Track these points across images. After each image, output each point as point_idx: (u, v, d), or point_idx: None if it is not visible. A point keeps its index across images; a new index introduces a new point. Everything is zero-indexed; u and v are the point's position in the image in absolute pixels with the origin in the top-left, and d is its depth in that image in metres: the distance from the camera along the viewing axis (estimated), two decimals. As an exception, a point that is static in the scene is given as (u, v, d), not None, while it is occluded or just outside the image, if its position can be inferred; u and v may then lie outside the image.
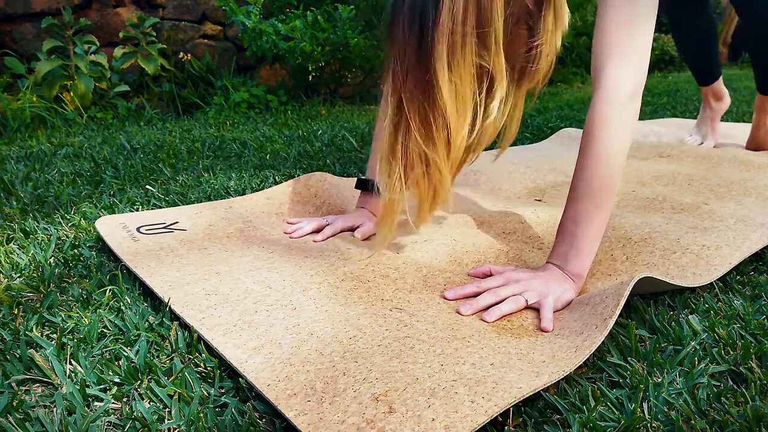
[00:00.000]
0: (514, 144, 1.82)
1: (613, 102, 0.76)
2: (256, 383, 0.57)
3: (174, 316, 0.73)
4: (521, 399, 0.53)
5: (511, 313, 0.71)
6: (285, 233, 1.00)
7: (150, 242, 0.93)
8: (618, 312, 0.64)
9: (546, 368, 0.58)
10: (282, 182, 1.38)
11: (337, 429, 0.50)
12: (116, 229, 0.98)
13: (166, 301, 0.74)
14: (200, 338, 0.67)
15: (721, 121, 2.26)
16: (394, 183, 0.75)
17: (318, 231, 1.00)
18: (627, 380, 0.59)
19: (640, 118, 2.33)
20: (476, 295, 0.75)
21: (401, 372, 0.58)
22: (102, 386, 0.60)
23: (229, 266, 0.84)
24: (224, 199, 1.26)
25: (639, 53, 0.77)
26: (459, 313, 0.71)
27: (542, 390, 0.58)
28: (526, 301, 0.72)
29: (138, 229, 0.98)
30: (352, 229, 1.00)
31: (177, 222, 1.02)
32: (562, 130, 1.95)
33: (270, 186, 1.35)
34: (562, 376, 0.57)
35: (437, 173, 0.74)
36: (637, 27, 0.77)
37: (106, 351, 0.66)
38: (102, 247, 0.98)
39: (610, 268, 0.84)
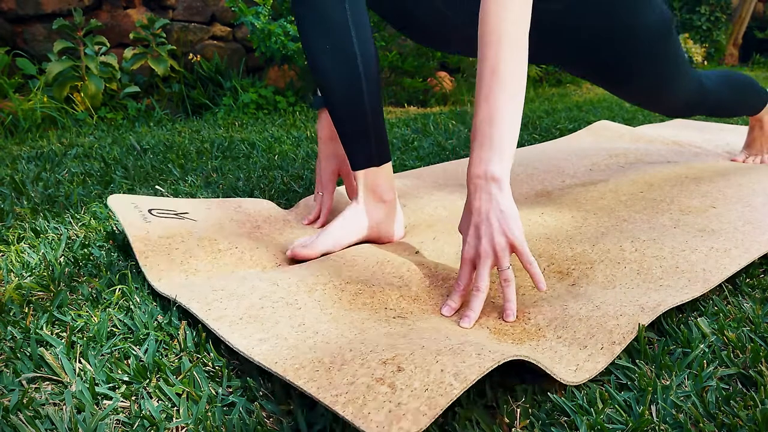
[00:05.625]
0: (522, 145, 1.82)
1: None
2: (264, 362, 0.58)
3: (182, 316, 0.74)
4: (523, 359, 0.55)
5: (517, 289, 0.72)
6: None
7: (160, 229, 0.92)
8: (629, 341, 0.64)
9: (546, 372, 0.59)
10: (290, 183, 1.38)
11: (346, 389, 0.51)
12: (128, 208, 0.97)
13: (173, 297, 0.75)
14: (208, 337, 0.67)
15: (732, 123, 2.24)
16: None
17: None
18: (635, 383, 0.59)
19: (650, 121, 2.32)
20: (465, 301, 0.74)
21: (407, 344, 0.59)
22: (111, 385, 0.60)
23: (237, 267, 0.84)
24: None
25: None
26: (462, 327, 0.70)
27: (550, 392, 0.58)
28: (506, 268, 0.71)
29: (150, 211, 0.98)
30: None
31: (187, 213, 1.02)
32: (598, 122, 1.93)
33: (277, 187, 1.35)
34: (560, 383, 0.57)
35: None
36: None
37: (115, 350, 0.67)
38: (111, 246, 0.98)
39: (618, 256, 0.84)
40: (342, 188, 1.22)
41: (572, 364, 0.61)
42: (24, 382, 0.61)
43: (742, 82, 1.32)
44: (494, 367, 0.51)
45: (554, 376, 0.57)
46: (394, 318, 0.72)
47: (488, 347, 0.55)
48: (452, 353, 0.54)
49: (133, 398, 0.58)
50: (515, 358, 0.54)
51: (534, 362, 0.55)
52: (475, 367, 0.50)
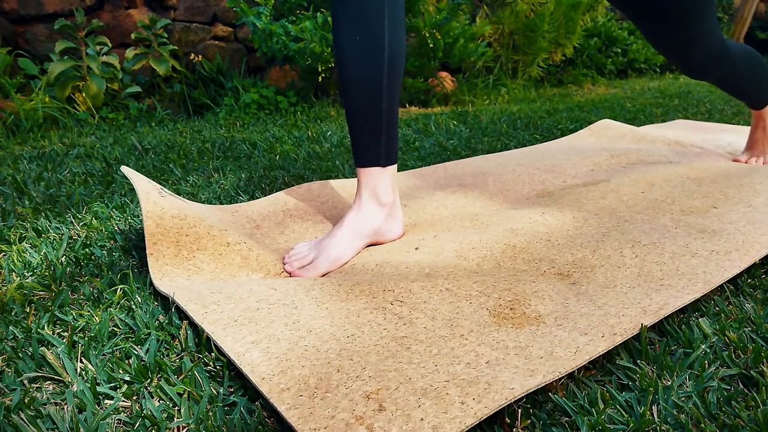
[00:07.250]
0: (523, 145, 1.82)
1: None
2: (252, 376, 0.58)
3: (183, 316, 0.74)
4: (512, 400, 0.53)
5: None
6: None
7: (174, 208, 0.90)
8: (630, 335, 0.64)
9: (542, 366, 0.58)
10: (291, 183, 1.38)
11: (326, 423, 0.51)
12: (143, 179, 0.96)
13: (171, 295, 0.75)
14: (209, 337, 0.67)
15: (734, 124, 2.24)
16: None
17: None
18: (636, 383, 0.59)
19: (652, 121, 2.31)
20: None
21: (395, 371, 0.58)
22: (112, 384, 0.61)
23: (241, 268, 0.84)
24: (233, 200, 1.27)
25: None
26: None
27: (551, 392, 0.58)
28: None
29: (162, 189, 0.97)
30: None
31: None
32: (600, 121, 1.92)
33: (278, 187, 1.35)
34: (557, 378, 0.56)
35: None
36: None
37: (116, 349, 0.67)
38: (113, 246, 0.98)
39: (619, 261, 0.84)
40: (341, 184, 1.22)
41: (572, 347, 0.61)
42: (25, 382, 0.61)
43: (757, 58, 1.32)
44: (475, 423, 0.51)
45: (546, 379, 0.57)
46: (391, 303, 0.72)
47: (474, 391, 0.54)
48: (437, 396, 0.54)
49: (135, 398, 0.58)
50: (500, 408, 0.53)
51: (524, 393, 0.54)
52: (456, 422, 0.50)
